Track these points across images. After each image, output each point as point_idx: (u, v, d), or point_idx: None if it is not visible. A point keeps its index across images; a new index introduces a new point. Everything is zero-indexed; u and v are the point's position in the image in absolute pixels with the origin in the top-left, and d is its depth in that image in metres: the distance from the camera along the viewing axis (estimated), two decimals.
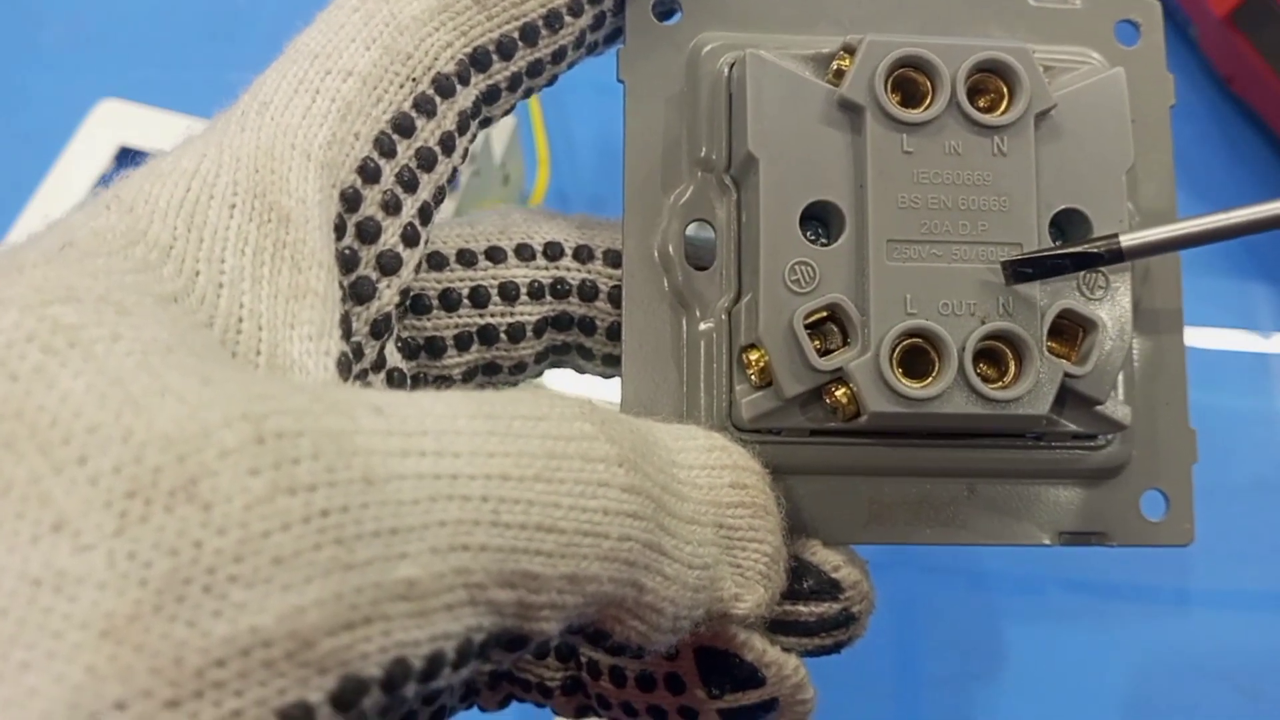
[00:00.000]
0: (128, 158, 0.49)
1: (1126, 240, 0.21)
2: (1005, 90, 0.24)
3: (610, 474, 0.18)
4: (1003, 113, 0.23)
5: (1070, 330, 0.23)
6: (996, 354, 0.23)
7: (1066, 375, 0.23)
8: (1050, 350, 0.23)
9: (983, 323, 0.22)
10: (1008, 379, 0.23)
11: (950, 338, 0.22)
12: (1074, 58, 0.26)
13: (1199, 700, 0.44)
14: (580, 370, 0.27)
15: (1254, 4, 0.50)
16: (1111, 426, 0.24)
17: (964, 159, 0.23)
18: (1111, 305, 0.23)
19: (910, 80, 0.23)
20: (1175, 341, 0.26)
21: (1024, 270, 0.22)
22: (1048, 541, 0.25)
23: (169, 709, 0.14)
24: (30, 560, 0.14)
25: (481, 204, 0.45)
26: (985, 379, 0.22)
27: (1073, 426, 0.24)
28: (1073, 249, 0.22)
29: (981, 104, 0.23)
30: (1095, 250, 0.22)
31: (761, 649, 0.23)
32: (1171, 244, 0.22)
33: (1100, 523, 0.25)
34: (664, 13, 0.25)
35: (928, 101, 0.23)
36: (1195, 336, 0.27)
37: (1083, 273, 0.23)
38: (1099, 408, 0.23)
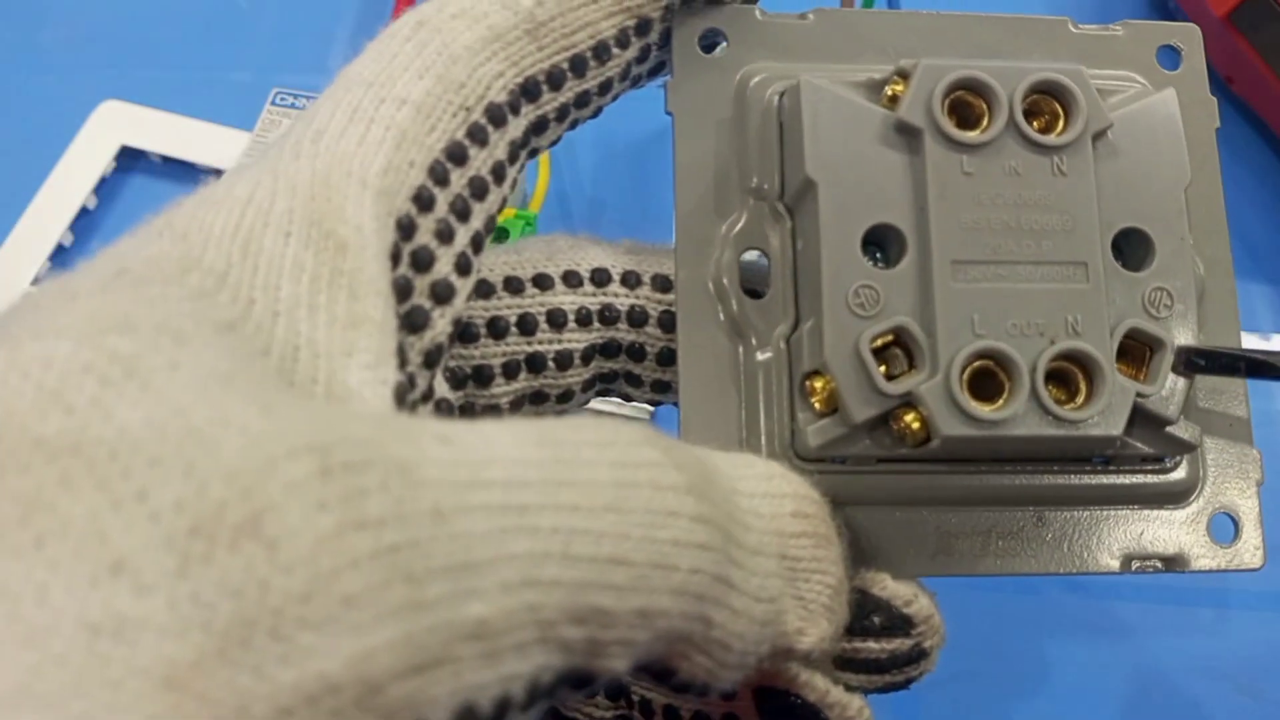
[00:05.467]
0: (129, 158, 0.49)
1: None
2: (1061, 111, 0.23)
3: (680, 503, 0.17)
4: (1060, 133, 0.23)
5: (1137, 350, 0.23)
6: (1066, 375, 0.22)
7: (1138, 395, 0.22)
8: (1119, 371, 0.22)
9: (1052, 343, 0.22)
10: (1079, 400, 0.22)
11: (1020, 358, 0.22)
12: (1119, 81, 0.25)
13: (1199, 699, 0.44)
14: (628, 398, 0.27)
15: (1253, 4, 0.50)
16: (1182, 448, 0.24)
17: (1024, 179, 0.23)
18: (1178, 324, 0.23)
19: (965, 103, 0.23)
20: None
21: (1196, 361, 0.22)
22: (1119, 570, 0.24)
23: None
24: (89, 604, 0.13)
25: None
26: (1056, 401, 0.22)
27: (1144, 448, 0.23)
28: (1253, 354, 0.22)
29: (1037, 126, 0.23)
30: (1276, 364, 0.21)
31: (824, 689, 0.22)
32: None
33: (1171, 548, 0.25)
34: (709, 45, 0.25)
35: (984, 123, 0.23)
36: None
37: (1159, 302, 0.23)
38: (1169, 428, 0.23)
